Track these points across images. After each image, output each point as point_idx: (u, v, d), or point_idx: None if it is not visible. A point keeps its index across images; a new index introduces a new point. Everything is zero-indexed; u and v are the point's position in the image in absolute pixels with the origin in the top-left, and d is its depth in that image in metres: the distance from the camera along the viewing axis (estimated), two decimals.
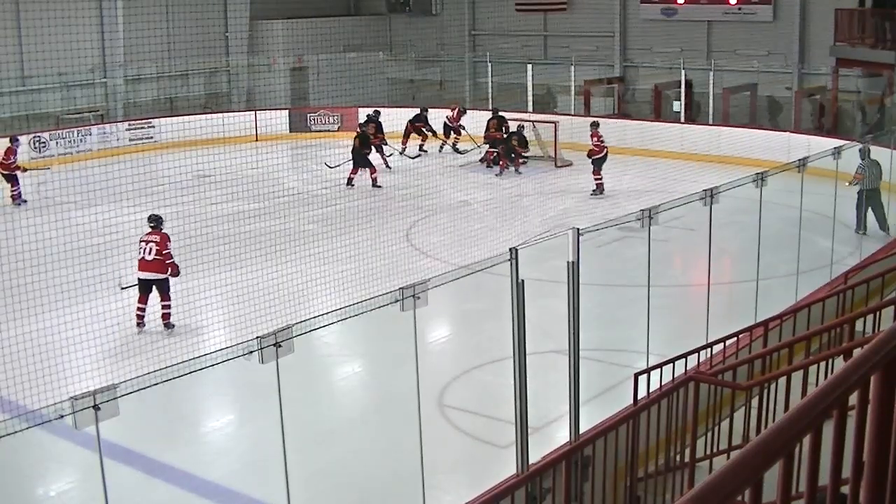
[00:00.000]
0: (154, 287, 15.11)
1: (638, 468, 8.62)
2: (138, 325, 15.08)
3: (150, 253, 15.11)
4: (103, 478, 6.67)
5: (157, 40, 32.67)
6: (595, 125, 25.19)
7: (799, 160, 13.88)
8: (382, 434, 11.56)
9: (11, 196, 24.38)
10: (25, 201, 24.29)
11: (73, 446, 10.39)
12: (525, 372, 8.31)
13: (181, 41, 33.77)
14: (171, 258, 15.22)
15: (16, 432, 6.23)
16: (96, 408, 6.29)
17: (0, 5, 30.65)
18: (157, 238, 15.24)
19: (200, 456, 11.59)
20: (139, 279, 15.08)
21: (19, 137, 26.05)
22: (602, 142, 24.64)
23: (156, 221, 15.55)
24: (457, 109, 30.99)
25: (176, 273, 15.19)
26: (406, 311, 7.93)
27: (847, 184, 19.13)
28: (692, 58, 32.06)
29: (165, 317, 15.12)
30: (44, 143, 29.35)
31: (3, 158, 24.48)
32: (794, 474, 2.42)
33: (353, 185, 25.38)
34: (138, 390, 6.59)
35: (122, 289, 15.23)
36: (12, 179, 24.48)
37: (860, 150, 19.69)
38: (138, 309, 15.10)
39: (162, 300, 15.17)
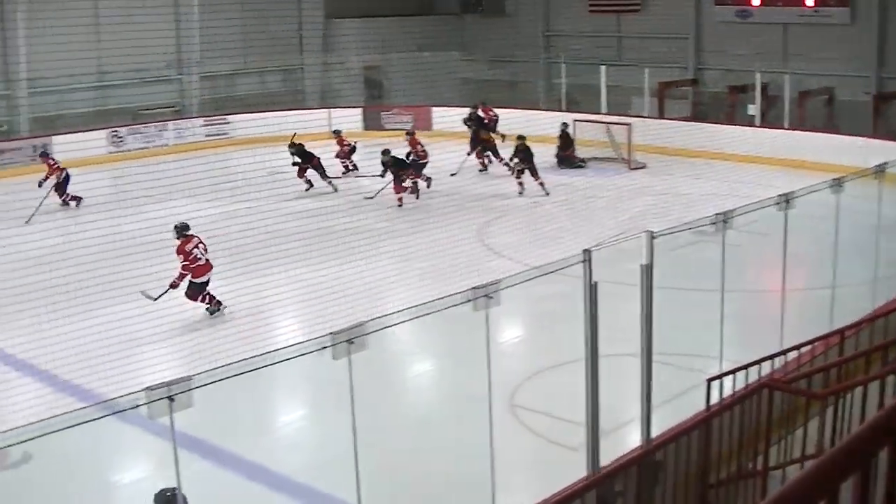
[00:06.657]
0: None
1: (710, 475, 8.56)
2: None
3: None
4: (177, 468, 6.76)
5: (231, 37, 33.04)
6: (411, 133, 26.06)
7: (876, 166, 13.64)
8: (453, 433, 11.56)
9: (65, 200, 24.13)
10: (80, 198, 24.07)
11: (148, 436, 10.53)
12: (597, 374, 8.27)
13: (255, 39, 34.18)
14: None
15: (92, 420, 6.33)
16: (171, 399, 6.38)
17: (77, 2, 30.99)
18: None
19: (272, 450, 11.72)
20: None
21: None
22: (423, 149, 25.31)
23: None
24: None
25: None
26: (479, 310, 7.93)
27: None
28: (767, 60, 31.57)
29: None
30: (121, 137, 29.84)
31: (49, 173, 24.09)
32: (870, 488, 2.38)
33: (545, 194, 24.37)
34: (212, 382, 6.65)
35: None
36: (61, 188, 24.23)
37: None
38: None
39: None
